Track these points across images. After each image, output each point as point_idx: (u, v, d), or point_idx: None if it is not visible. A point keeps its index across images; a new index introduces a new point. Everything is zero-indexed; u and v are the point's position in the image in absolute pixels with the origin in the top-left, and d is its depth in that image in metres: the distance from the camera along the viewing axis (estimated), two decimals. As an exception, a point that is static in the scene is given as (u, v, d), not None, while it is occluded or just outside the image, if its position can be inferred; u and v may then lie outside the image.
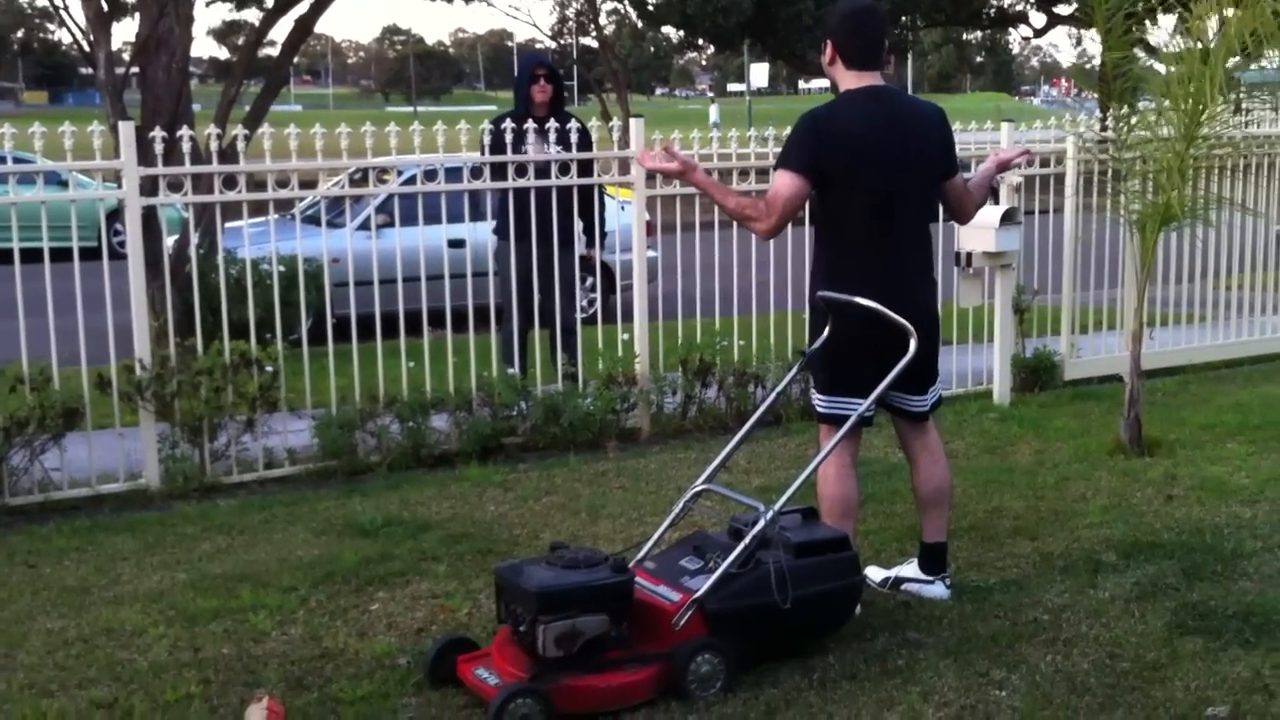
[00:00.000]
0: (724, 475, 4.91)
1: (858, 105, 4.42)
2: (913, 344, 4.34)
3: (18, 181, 6.00)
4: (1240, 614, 4.48)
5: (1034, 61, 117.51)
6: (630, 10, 35.29)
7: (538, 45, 69.45)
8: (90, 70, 9.21)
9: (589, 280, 9.85)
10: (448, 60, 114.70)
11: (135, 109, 8.60)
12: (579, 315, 7.56)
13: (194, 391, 6.15)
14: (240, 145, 6.45)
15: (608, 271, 9.33)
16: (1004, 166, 4.96)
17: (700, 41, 36.86)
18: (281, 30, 10.20)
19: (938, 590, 4.70)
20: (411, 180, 7.13)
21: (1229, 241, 8.89)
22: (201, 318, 6.37)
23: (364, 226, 9.34)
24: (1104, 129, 8.05)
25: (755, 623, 4.07)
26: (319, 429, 6.48)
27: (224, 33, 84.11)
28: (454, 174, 6.96)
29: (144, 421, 6.15)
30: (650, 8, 31.42)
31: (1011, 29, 36.73)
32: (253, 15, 31.04)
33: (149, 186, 6.28)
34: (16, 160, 6.16)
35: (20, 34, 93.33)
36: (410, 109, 66.27)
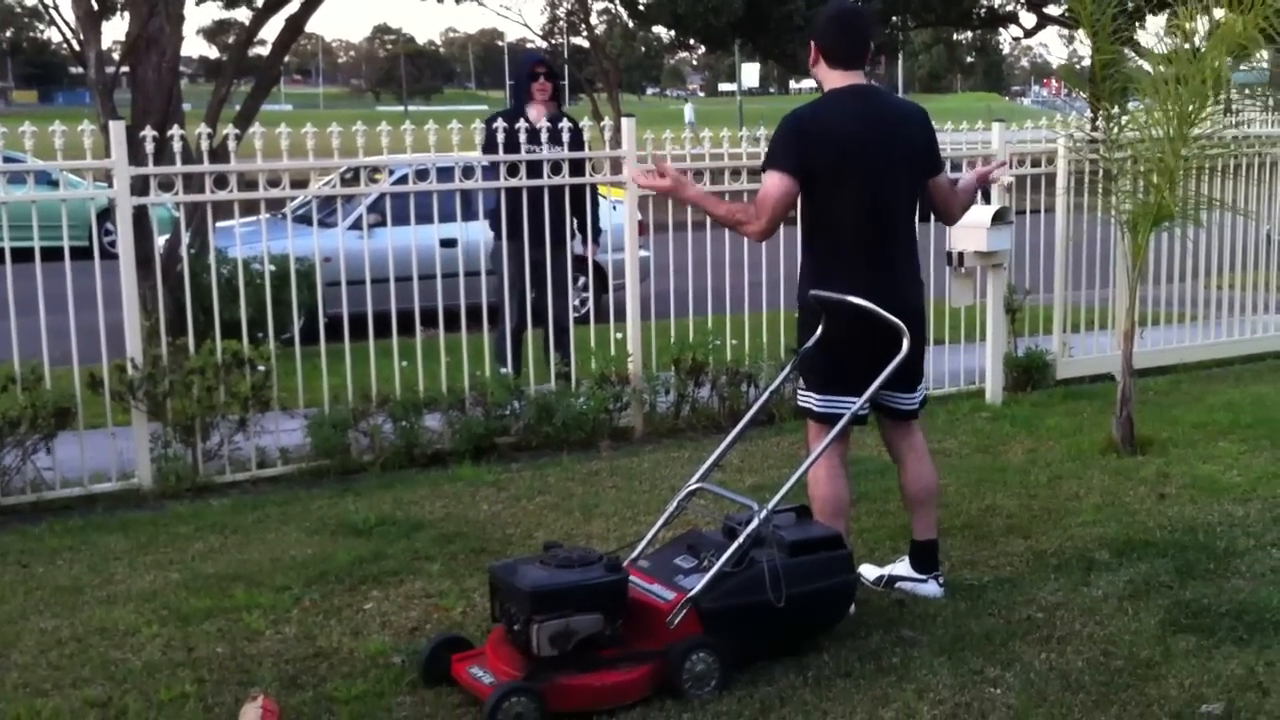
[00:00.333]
0: (717, 474, 4.91)
1: (842, 104, 4.46)
2: (905, 342, 4.38)
3: (8, 181, 5.97)
4: (1233, 612, 4.49)
5: (1024, 62, 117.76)
6: (621, 10, 35.27)
7: (529, 45, 69.51)
8: (80, 69, 9.17)
9: (581, 280, 9.86)
10: (439, 60, 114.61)
11: (126, 108, 8.59)
12: (571, 314, 7.55)
13: (186, 391, 6.14)
14: (231, 145, 6.44)
15: (600, 271, 9.33)
16: (984, 180, 4.97)
17: (691, 41, 36.86)
18: (272, 29, 10.18)
19: (930, 588, 4.71)
20: (403, 180, 7.12)
21: (1220, 241, 8.92)
22: (193, 317, 6.36)
23: (356, 226, 9.32)
24: (1094, 129, 8.07)
25: (749, 621, 4.07)
26: (312, 428, 6.47)
27: (214, 32, 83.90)
28: (445, 173, 6.95)
29: (136, 421, 6.14)
30: (641, 7, 31.41)
31: (1002, 29, 36.78)
32: (243, 14, 30.98)
33: (140, 186, 6.26)
34: (7, 159, 6.14)
35: (10, 33, 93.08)
36: (401, 108, 66.21)
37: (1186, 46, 6.57)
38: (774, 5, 28.29)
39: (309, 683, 4.05)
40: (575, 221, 7.59)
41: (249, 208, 7.09)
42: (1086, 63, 7.04)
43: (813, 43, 4.52)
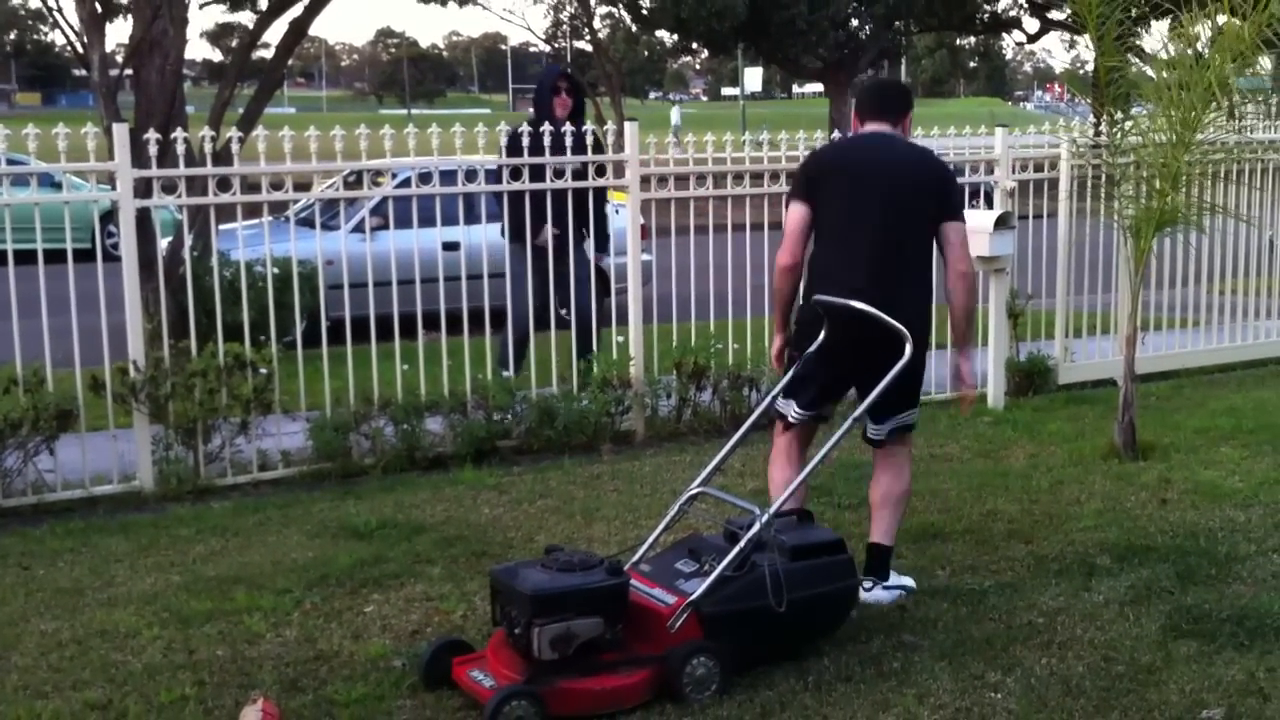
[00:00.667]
0: (719, 478, 4.91)
1: (847, 142, 5.19)
2: (909, 348, 4.47)
3: (11, 183, 5.98)
4: (1234, 617, 4.49)
5: (1027, 67, 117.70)
6: (624, 14, 35.28)
7: (531, 49, 69.42)
8: (84, 72, 9.18)
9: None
10: (442, 63, 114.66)
11: (129, 111, 8.59)
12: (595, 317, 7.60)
13: (188, 393, 6.14)
14: (234, 147, 6.45)
15: (602, 274, 9.34)
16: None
17: (694, 45, 36.89)
18: (275, 33, 10.19)
19: (872, 595, 4.67)
20: (406, 183, 7.12)
21: (1222, 246, 8.92)
22: (196, 320, 6.36)
23: (359, 229, 9.33)
24: (1098, 134, 8.07)
25: (750, 626, 4.07)
26: (313, 431, 6.47)
27: (218, 35, 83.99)
28: (448, 176, 6.96)
29: (138, 423, 6.14)
30: (644, 11, 31.42)
31: (1005, 34, 36.80)
32: (247, 18, 31.00)
33: (143, 188, 6.27)
34: (10, 162, 6.13)
35: (13, 35, 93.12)
36: (404, 111, 66.25)
37: (1190, 52, 6.57)
38: (777, 10, 28.29)
39: (309, 685, 4.05)
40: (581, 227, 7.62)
41: (252, 210, 7.10)
42: (1090, 68, 7.06)
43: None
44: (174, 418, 6.16)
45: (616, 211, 8.59)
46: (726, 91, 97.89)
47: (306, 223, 9.77)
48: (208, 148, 6.29)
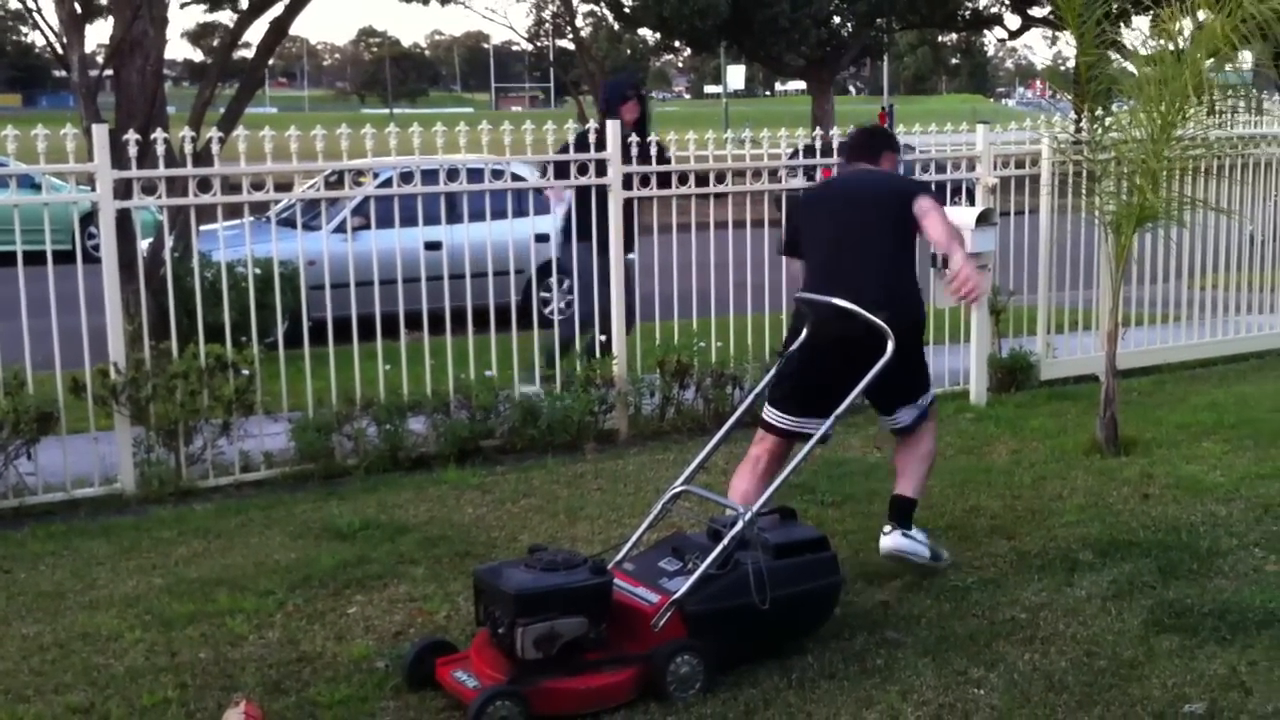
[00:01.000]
0: (702, 476, 4.91)
1: (830, 179, 6.17)
2: (889, 344, 4.52)
3: (-9, 185, 5.95)
4: (1216, 611, 4.51)
5: (1009, 63, 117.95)
6: (607, 12, 35.25)
7: (514, 48, 69.24)
8: (64, 73, 9.13)
9: (565, 283, 9.85)
10: (424, 62, 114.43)
11: (110, 112, 8.55)
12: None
13: (169, 395, 6.11)
14: (215, 148, 6.42)
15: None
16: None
17: (677, 44, 36.88)
18: (256, 32, 10.15)
19: (896, 541, 4.85)
20: (387, 183, 7.11)
21: (1203, 242, 8.95)
22: (177, 321, 6.33)
23: (341, 229, 9.31)
24: (1079, 130, 8.09)
25: (734, 624, 4.07)
26: (295, 432, 6.45)
27: (199, 35, 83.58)
28: (431, 176, 6.94)
29: (119, 425, 6.11)
30: (627, 10, 31.40)
31: (986, 31, 36.87)
32: (227, 17, 30.86)
33: (123, 189, 6.24)
34: (-10, 163, 6.11)
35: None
36: (387, 111, 66.08)
37: (1170, 48, 6.59)
38: (759, 8, 28.30)
39: (292, 688, 4.04)
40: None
41: (233, 211, 7.07)
42: (1071, 64, 7.09)
43: None
44: (155, 419, 6.14)
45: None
46: (709, 89, 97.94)
47: (289, 223, 9.76)
48: (188, 148, 6.26)
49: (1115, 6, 6.72)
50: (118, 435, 6.12)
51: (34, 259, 5.93)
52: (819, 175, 7.68)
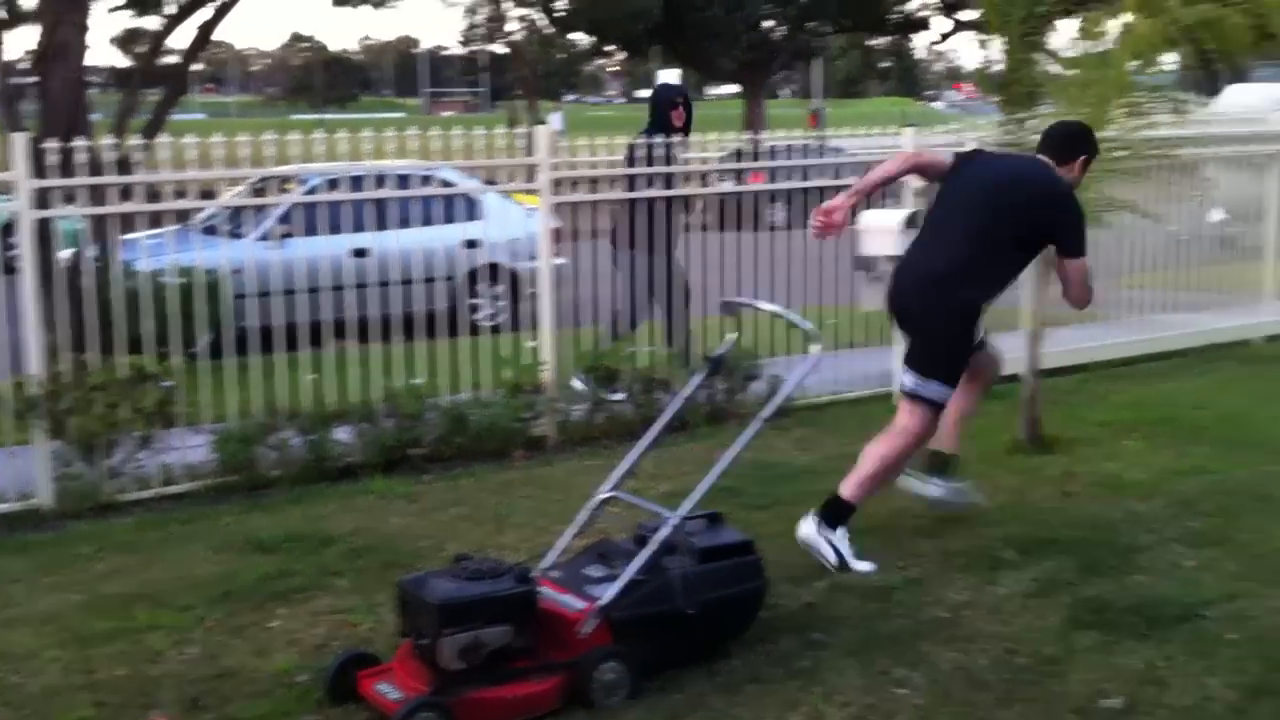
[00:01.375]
0: (631, 482, 4.91)
1: (990, 155, 5.93)
2: (815, 348, 4.60)
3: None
4: (1134, 607, 4.58)
5: (939, 66, 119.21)
6: (540, 16, 35.19)
7: (444, 53, 68.86)
8: (-16, 80, 8.96)
9: (498, 287, 9.83)
10: (355, 67, 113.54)
11: (35, 119, 8.41)
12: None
13: (88, 408, 6.01)
14: (137, 155, 6.32)
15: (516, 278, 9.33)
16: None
17: (610, 47, 36.93)
18: (184, 38, 10.04)
19: (809, 531, 5.00)
20: (314, 190, 7.05)
21: (1127, 243, 9.08)
22: (98, 332, 6.22)
23: (266, 237, 9.20)
24: (1006, 132, 8.15)
25: (660, 629, 4.07)
26: (218, 443, 6.36)
27: (126, 40, 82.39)
28: (358, 182, 6.89)
29: (37, 439, 6.00)
30: (559, 14, 31.40)
31: (915, 35, 37.28)
32: (154, 22, 30.43)
33: (43, 199, 6.13)
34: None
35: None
36: (316, 116, 65.50)
37: (1095, 50, 6.67)
38: (691, 11, 28.42)
39: (212, 704, 3.98)
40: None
41: (157, 219, 6.96)
42: (999, 67, 7.19)
43: None
44: (74, 433, 6.03)
45: (529, 215, 8.59)
46: (641, 94, 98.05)
47: (213, 231, 9.64)
48: (109, 156, 6.16)
49: (1042, 9, 6.79)
50: (35, 449, 6.01)
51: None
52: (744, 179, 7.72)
